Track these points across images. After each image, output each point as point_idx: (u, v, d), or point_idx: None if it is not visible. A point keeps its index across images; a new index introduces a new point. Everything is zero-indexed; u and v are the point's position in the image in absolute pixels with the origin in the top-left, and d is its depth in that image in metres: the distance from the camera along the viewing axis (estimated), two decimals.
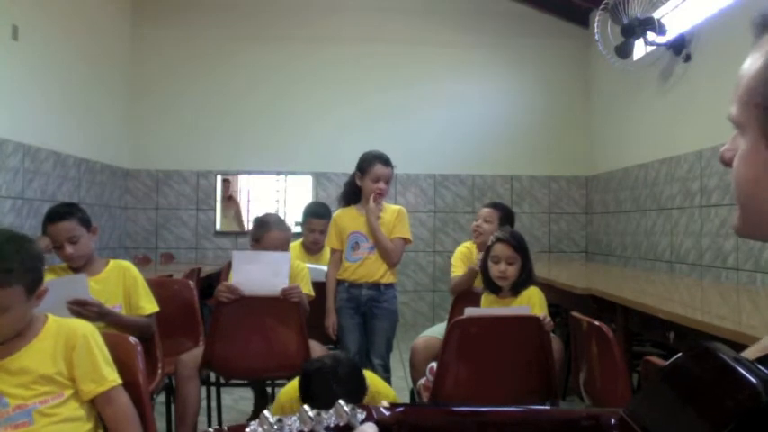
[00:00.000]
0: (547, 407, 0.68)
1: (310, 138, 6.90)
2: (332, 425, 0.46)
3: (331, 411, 0.46)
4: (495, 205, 3.46)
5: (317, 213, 3.59)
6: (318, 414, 0.46)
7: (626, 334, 2.82)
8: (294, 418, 0.45)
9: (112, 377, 1.60)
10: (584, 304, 3.04)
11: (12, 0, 4.74)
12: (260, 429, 0.43)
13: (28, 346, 1.55)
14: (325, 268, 3.20)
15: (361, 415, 0.48)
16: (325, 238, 3.53)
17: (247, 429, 0.44)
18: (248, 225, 6.92)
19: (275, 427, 0.44)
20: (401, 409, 0.53)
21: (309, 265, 3.09)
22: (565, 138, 7.14)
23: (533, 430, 0.62)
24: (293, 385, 1.89)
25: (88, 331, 1.62)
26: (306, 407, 0.46)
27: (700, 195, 4.78)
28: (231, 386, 3.41)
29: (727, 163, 0.64)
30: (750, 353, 0.82)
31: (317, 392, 1.72)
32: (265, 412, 0.44)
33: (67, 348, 1.57)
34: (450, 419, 0.58)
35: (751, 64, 0.60)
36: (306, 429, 0.45)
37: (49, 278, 2.33)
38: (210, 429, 0.47)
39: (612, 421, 0.60)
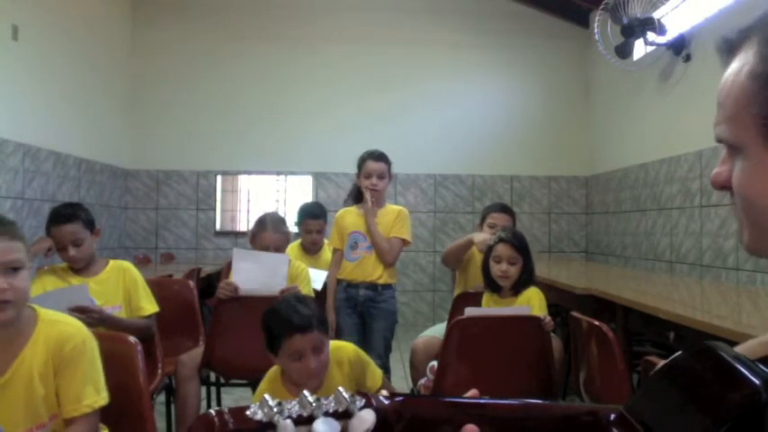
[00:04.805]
0: (547, 401, 0.68)
1: (310, 138, 6.90)
2: (331, 410, 0.47)
3: (330, 398, 0.47)
4: (504, 209, 3.34)
5: (312, 214, 3.60)
6: (318, 400, 0.47)
7: (626, 334, 2.82)
8: (294, 402, 0.46)
9: (90, 400, 1.45)
10: (585, 304, 3.04)
11: (12, 0, 4.75)
12: (260, 412, 0.44)
13: (17, 360, 1.42)
14: (322, 274, 3.21)
15: (360, 402, 0.49)
16: (322, 238, 3.58)
17: (248, 411, 0.45)
18: (248, 225, 6.92)
19: (275, 410, 0.44)
20: (401, 398, 0.54)
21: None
22: (565, 138, 7.14)
23: (533, 424, 0.62)
24: (272, 371, 1.90)
25: (78, 341, 1.47)
26: (306, 392, 0.46)
27: (700, 195, 4.78)
28: (231, 386, 3.41)
29: (723, 185, 0.63)
30: (744, 349, 0.81)
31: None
32: (266, 395, 0.45)
33: (55, 361, 1.45)
34: (450, 411, 0.58)
35: (733, 81, 0.60)
36: (305, 414, 0.45)
37: (49, 279, 2.36)
38: (212, 410, 0.47)
39: (612, 417, 0.60)
